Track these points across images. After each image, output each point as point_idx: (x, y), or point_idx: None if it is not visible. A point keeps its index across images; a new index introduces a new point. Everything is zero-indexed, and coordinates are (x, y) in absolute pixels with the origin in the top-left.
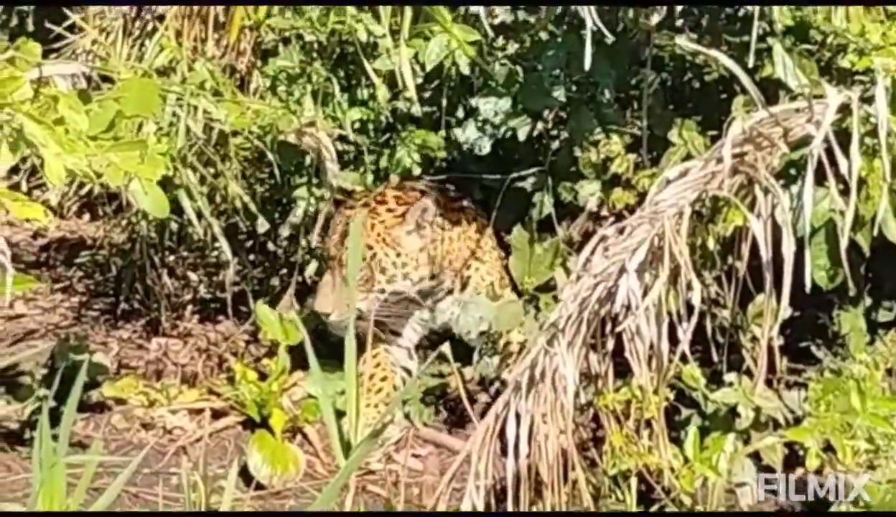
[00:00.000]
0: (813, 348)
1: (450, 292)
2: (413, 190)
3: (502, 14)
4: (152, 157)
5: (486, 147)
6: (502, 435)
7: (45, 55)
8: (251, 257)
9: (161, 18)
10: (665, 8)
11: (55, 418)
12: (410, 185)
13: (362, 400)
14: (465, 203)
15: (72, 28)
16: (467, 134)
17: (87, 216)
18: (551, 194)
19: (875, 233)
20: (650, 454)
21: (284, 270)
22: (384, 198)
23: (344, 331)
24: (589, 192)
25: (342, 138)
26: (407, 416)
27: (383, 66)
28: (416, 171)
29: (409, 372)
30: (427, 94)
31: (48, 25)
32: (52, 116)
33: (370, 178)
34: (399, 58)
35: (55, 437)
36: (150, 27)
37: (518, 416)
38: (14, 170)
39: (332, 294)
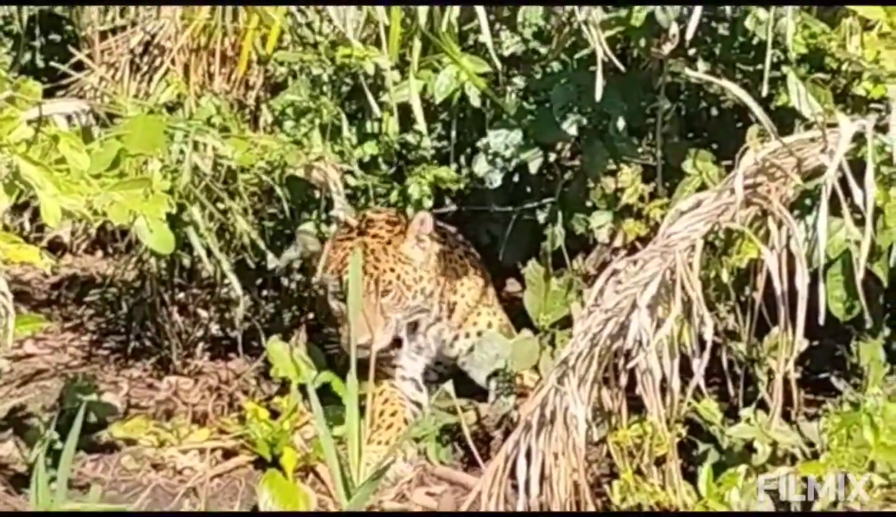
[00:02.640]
0: (832, 379)
1: (438, 319)
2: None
3: (512, 46)
4: (156, 195)
5: (497, 180)
6: (514, 473)
7: (53, 93)
8: (263, 293)
9: (168, 53)
10: (677, 37)
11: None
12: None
13: (374, 436)
14: (450, 230)
15: (81, 65)
16: (479, 167)
17: (99, 253)
18: (563, 226)
19: (893, 263)
20: (663, 490)
21: (296, 306)
22: (374, 221)
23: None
24: (600, 223)
25: (351, 173)
26: (423, 453)
27: (392, 99)
28: (427, 203)
29: (419, 405)
30: (438, 127)
31: (52, 64)
32: (53, 156)
33: None
34: (408, 90)
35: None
36: (157, 62)
37: (529, 455)
38: (22, 208)
39: (367, 321)
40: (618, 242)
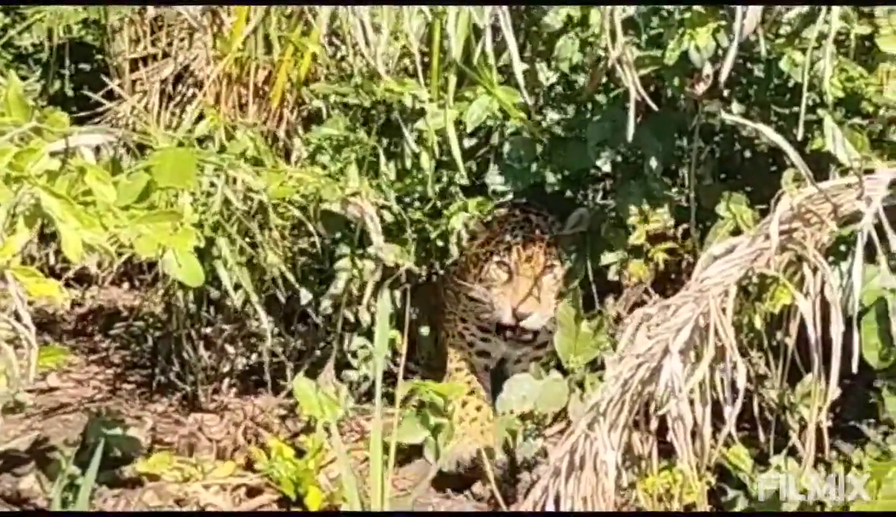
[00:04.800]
0: (864, 428)
1: None
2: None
3: (552, 78)
4: (185, 228)
5: (509, 195)
6: None
7: (83, 122)
8: (292, 328)
9: (200, 85)
10: (711, 77)
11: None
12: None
13: (458, 428)
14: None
15: (113, 94)
16: (490, 178)
17: (125, 285)
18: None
19: None
20: None
21: (325, 342)
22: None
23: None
24: (608, 262)
25: (387, 208)
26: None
27: (425, 126)
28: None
29: None
30: (473, 166)
31: (83, 93)
32: (79, 188)
33: (413, 247)
34: (441, 118)
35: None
36: (190, 93)
37: (558, 501)
38: (48, 239)
39: (534, 293)
40: (626, 281)
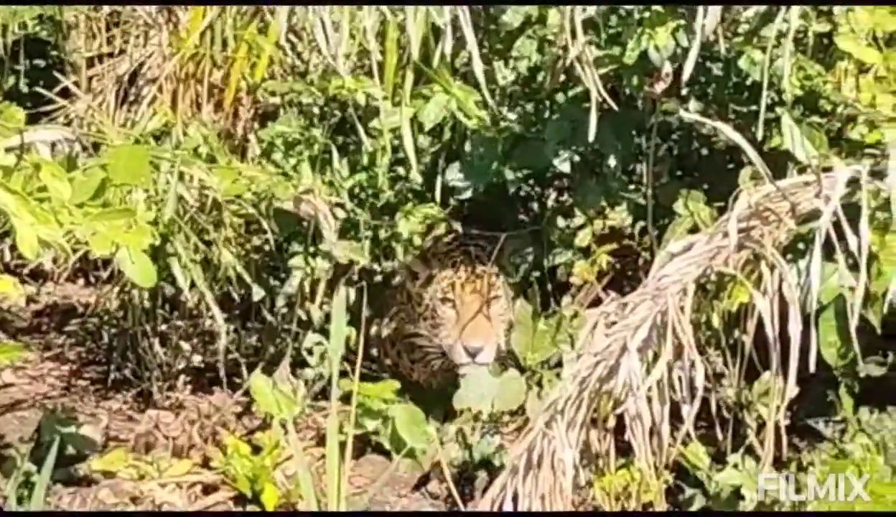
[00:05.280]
0: (820, 426)
1: None
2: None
3: (509, 75)
4: (139, 226)
5: (466, 192)
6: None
7: (38, 119)
8: (247, 325)
9: (155, 81)
10: (670, 76)
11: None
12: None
13: None
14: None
15: (68, 91)
16: (450, 175)
17: (81, 281)
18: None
19: (887, 309)
20: None
21: (280, 340)
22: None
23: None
24: (556, 263)
25: (340, 206)
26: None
27: (381, 125)
28: (417, 241)
29: None
30: (429, 162)
31: (37, 90)
32: (35, 184)
33: (367, 246)
34: (398, 117)
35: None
36: (145, 90)
37: (516, 499)
38: (2, 236)
39: (484, 326)
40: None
